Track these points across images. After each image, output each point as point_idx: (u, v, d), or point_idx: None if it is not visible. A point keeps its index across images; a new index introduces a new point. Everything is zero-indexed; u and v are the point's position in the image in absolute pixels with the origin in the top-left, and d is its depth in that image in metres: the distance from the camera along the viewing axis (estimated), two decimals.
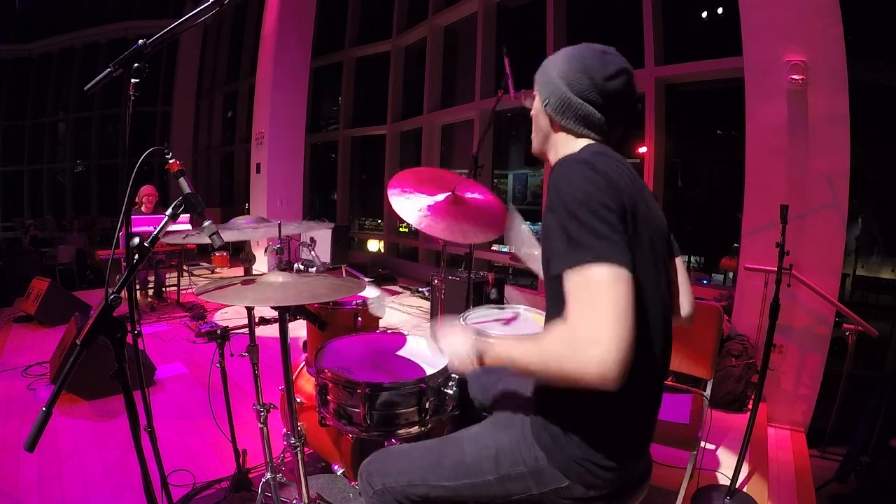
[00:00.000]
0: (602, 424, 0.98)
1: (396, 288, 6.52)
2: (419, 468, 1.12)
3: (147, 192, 5.23)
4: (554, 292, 0.99)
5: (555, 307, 1.01)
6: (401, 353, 1.70)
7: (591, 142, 1.07)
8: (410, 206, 1.84)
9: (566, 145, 1.09)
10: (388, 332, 1.95)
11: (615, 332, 0.80)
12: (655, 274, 1.01)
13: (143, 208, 5.16)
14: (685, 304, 1.21)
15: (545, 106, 1.09)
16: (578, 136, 1.08)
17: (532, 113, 1.16)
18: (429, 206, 1.84)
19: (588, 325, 0.82)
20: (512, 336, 1.00)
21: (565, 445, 0.99)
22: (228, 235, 2.04)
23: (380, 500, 1.15)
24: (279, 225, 1.99)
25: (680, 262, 1.20)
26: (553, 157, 1.13)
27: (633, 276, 0.85)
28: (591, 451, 0.97)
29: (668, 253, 1.10)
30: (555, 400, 1.02)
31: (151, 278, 5.46)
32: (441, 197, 1.87)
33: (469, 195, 1.93)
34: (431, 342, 1.15)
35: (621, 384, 0.80)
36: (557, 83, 1.05)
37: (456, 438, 1.16)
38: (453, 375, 1.44)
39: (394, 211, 1.82)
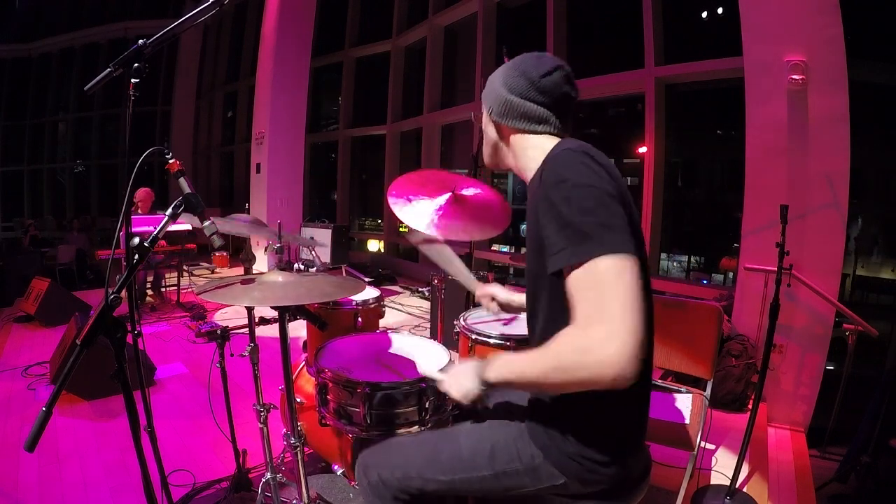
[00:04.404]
0: (596, 421, 0.98)
1: (396, 288, 6.52)
2: (415, 461, 1.13)
3: (142, 196, 5.21)
4: (549, 290, 0.97)
5: (547, 305, 1.01)
6: (401, 352, 1.70)
7: (553, 136, 1.07)
8: (415, 212, 1.81)
9: (524, 145, 1.09)
10: (388, 332, 1.95)
11: (628, 324, 0.77)
12: (645, 263, 0.99)
13: (139, 210, 5.17)
14: None
15: (490, 114, 1.13)
16: (532, 132, 1.08)
17: (483, 127, 1.19)
18: (436, 210, 1.82)
19: (600, 323, 0.79)
20: (510, 353, 0.98)
21: (561, 443, 0.99)
22: (231, 227, 2.03)
23: (375, 492, 1.15)
24: (279, 225, 1.99)
25: None
26: (513, 161, 1.14)
27: (637, 262, 0.84)
28: (586, 448, 0.98)
29: None
30: (549, 398, 1.02)
31: (150, 278, 5.48)
32: (443, 198, 1.87)
33: (468, 192, 1.94)
34: (441, 384, 1.13)
35: (635, 380, 0.78)
36: (499, 90, 1.09)
37: (453, 433, 1.16)
38: None
39: (394, 213, 1.81)
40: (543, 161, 1.00)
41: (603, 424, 0.98)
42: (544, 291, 1.00)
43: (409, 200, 1.85)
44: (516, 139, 1.11)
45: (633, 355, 0.77)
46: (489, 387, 0.98)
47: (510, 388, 0.98)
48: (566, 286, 0.87)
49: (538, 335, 1.06)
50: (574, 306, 0.84)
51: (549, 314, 1.01)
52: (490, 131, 1.16)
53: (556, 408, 1.01)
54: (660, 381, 2.20)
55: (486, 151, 1.20)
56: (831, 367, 2.90)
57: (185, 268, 5.94)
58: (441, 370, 1.33)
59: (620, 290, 0.80)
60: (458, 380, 1.03)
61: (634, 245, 0.85)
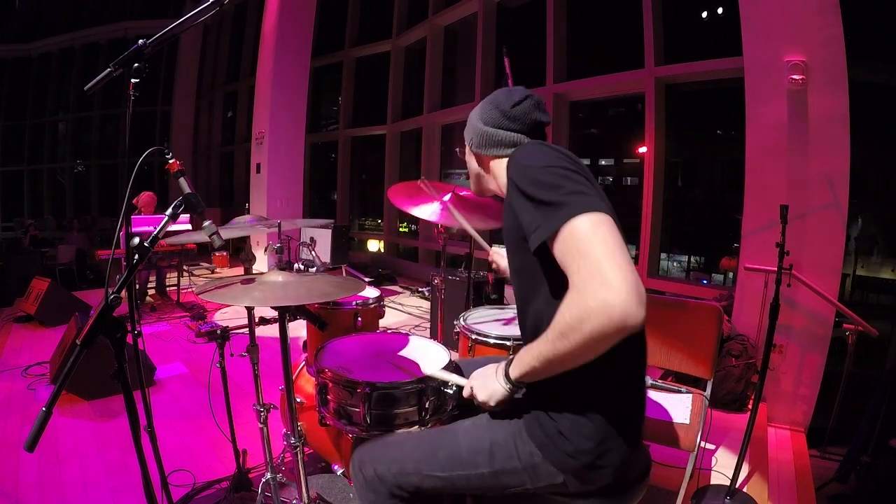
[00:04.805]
0: (593, 417, 0.98)
1: (396, 288, 6.52)
2: (413, 457, 1.13)
3: (146, 201, 5.18)
4: (534, 285, 1.01)
5: (534, 301, 1.04)
6: (401, 352, 1.70)
7: None
8: (423, 210, 2.11)
9: (502, 167, 1.15)
10: (389, 332, 1.95)
11: (615, 265, 0.79)
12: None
13: (141, 214, 5.16)
14: None
15: (471, 147, 1.22)
16: (507, 156, 1.14)
17: (466, 160, 1.28)
18: (441, 205, 2.10)
19: (588, 274, 0.81)
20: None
21: (558, 441, 1.00)
22: (230, 233, 2.05)
23: (370, 488, 1.15)
24: (279, 224, 1.99)
25: None
26: (494, 185, 1.23)
27: (612, 217, 0.87)
28: (584, 445, 0.98)
29: None
30: (548, 396, 1.02)
31: (152, 278, 5.49)
32: (447, 197, 2.08)
33: (465, 193, 2.09)
34: (468, 389, 1.14)
35: (644, 319, 0.78)
36: (476, 124, 1.20)
37: (451, 430, 1.17)
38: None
39: (394, 211, 1.97)
40: (507, 163, 1.06)
41: (600, 421, 0.98)
42: (530, 289, 1.03)
43: (416, 204, 2.12)
44: (494, 164, 1.20)
45: (629, 290, 0.77)
46: (515, 386, 1.02)
47: (534, 378, 0.97)
48: (558, 262, 0.88)
49: (529, 332, 1.08)
50: (567, 275, 0.85)
51: (537, 311, 1.03)
52: (472, 163, 1.27)
53: (552, 406, 1.01)
54: (660, 381, 2.20)
55: (473, 182, 1.31)
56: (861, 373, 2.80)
57: (185, 268, 5.94)
58: (446, 367, 1.35)
59: (598, 240, 0.83)
60: (485, 382, 1.07)
61: (604, 204, 0.89)
